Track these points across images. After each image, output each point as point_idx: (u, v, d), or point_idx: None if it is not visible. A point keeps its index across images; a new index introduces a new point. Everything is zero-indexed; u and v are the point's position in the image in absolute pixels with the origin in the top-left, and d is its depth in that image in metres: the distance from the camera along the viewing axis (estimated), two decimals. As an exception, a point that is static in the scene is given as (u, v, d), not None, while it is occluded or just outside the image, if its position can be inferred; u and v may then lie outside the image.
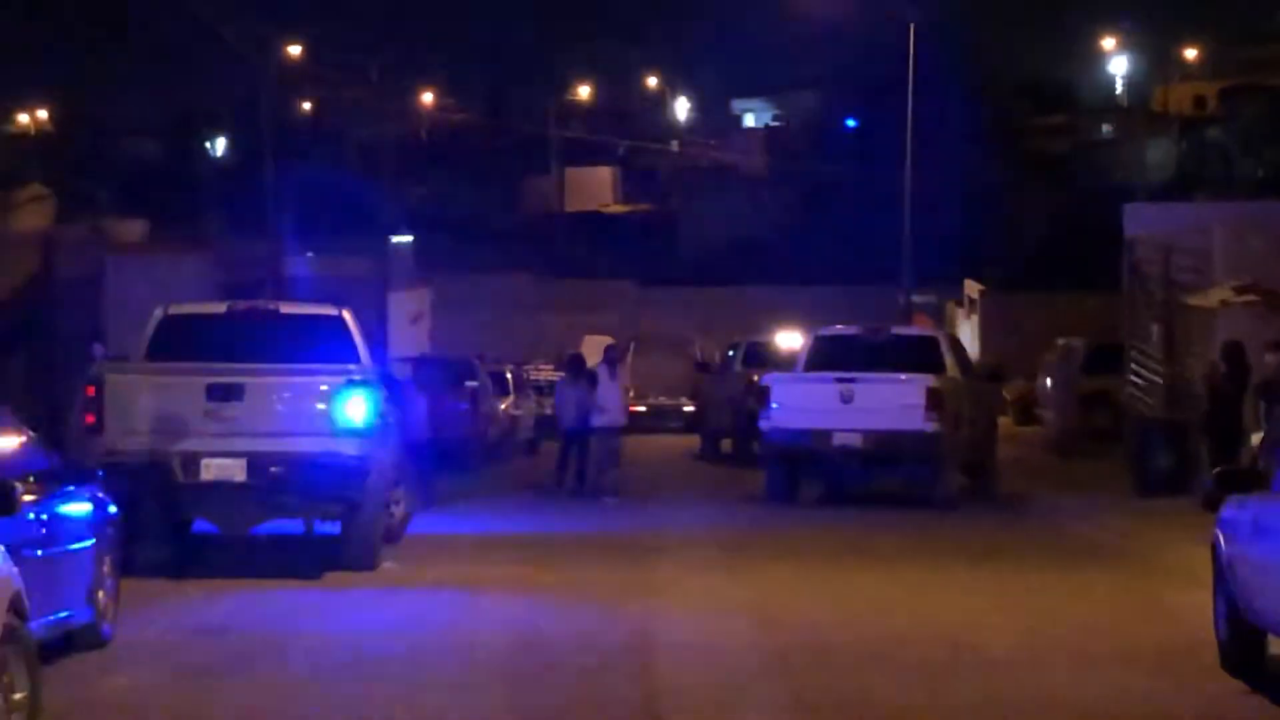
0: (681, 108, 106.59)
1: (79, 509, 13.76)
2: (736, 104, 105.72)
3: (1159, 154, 77.45)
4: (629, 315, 66.09)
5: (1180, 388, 29.78)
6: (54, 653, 12.63)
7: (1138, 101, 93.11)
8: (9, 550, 9.83)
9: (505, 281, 70.60)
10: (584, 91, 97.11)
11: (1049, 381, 43.58)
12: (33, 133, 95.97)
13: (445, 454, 29.63)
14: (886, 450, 25.87)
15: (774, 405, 26.44)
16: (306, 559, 18.51)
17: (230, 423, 17.70)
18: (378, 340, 35.31)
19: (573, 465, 29.48)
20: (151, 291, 24.43)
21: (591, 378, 29.37)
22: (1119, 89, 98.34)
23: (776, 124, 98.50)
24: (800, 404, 26.26)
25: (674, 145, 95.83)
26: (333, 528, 18.60)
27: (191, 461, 17.67)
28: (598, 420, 28.40)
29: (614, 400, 28.56)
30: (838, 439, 25.90)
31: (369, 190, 58.24)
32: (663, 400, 47.35)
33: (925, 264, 50.30)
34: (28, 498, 12.12)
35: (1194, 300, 30.02)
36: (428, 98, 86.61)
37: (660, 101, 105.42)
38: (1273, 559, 11.60)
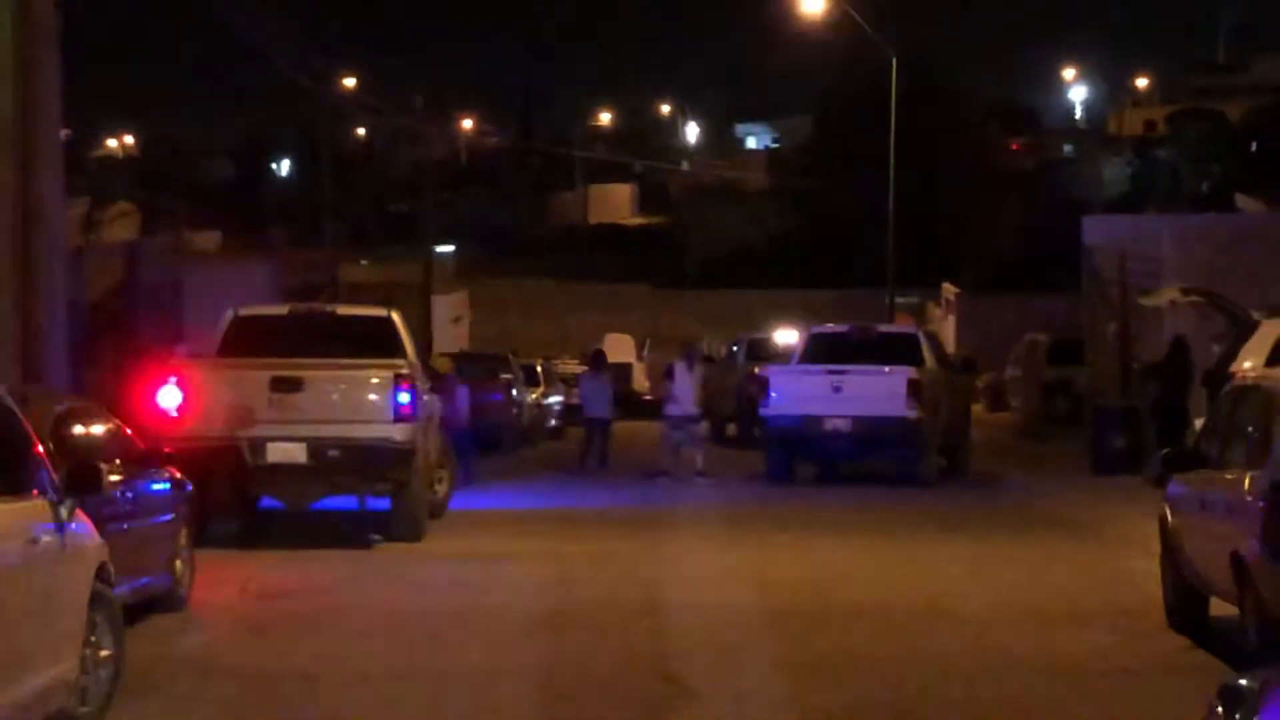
0: (691, 131, 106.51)
1: (159, 488, 13.78)
2: (740, 128, 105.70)
3: (1114, 171, 77.34)
4: (645, 315, 66.08)
5: (1134, 377, 29.72)
6: (137, 615, 12.64)
7: (1095, 124, 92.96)
8: (97, 525, 9.84)
9: (535, 286, 70.66)
10: (605, 117, 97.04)
11: (1017, 372, 43.53)
12: (120, 155, 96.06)
13: (482, 438, 29.68)
14: (873, 434, 25.83)
15: (773, 394, 26.41)
16: (360, 532, 18.52)
17: (292, 411, 17.71)
18: (422, 338, 35.39)
19: (595, 449, 29.46)
20: (223, 295, 24.46)
21: (612, 370, 29.19)
22: (1078, 113, 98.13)
23: (775, 145, 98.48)
24: (796, 393, 26.23)
25: (685, 164, 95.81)
26: (383, 504, 18.61)
27: (258, 445, 17.68)
28: (674, 410, 27.61)
29: (688, 392, 27.90)
30: (829, 424, 25.87)
31: (414, 205, 58.15)
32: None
33: (907, 269, 50.22)
34: (113, 478, 12.13)
35: (1145, 300, 29.99)
36: (467, 123, 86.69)
37: (672, 126, 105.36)
38: (1213, 529, 11.57)
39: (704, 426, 29.47)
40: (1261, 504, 10.44)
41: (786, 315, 49.37)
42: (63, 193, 17.28)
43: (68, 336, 17.17)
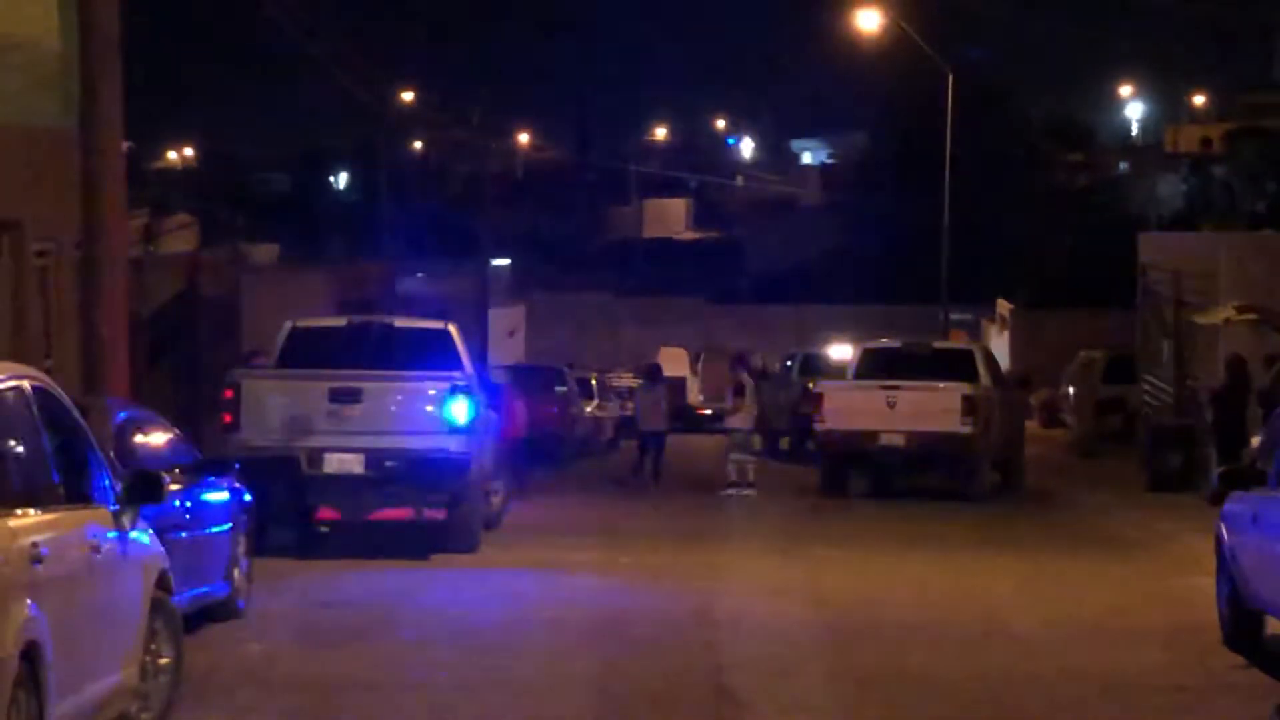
0: (746, 146, 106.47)
1: (218, 497, 13.86)
2: (795, 143, 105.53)
3: (1169, 189, 76.90)
4: (699, 329, 66.01)
5: (1188, 396, 29.55)
6: (196, 622, 12.72)
7: (1151, 141, 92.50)
8: (157, 533, 9.91)
9: (590, 299, 70.67)
10: (661, 132, 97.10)
11: (1071, 389, 43.34)
12: (180, 167, 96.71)
13: (537, 450, 29.69)
14: (926, 450, 25.76)
15: (827, 409, 26.37)
16: (416, 542, 18.56)
17: (350, 422, 17.76)
18: (479, 350, 35.48)
19: (649, 462, 29.44)
20: (281, 307, 24.55)
21: (666, 384, 29.26)
22: (1134, 130, 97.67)
23: (830, 161, 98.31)
24: (850, 408, 26.17)
25: (739, 180, 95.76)
26: (439, 515, 18.64)
27: (316, 456, 17.73)
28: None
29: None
30: (884, 439, 25.82)
31: (471, 219, 58.45)
32: (726, 405, 47.18)
33: (962, 285, 50.04)
34: (173, 487, 12.21)
35: (1200, 319, 29.80)
36: (523, 138, 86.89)
37: (726, 141, 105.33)
38: (1269, 548, 11.51)
39: (756, 439, 29.48)
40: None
41: (840, 330, 49.27)
42: (124, 203, 17.39)
43: (129, 346, 17.26)
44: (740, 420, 27.59)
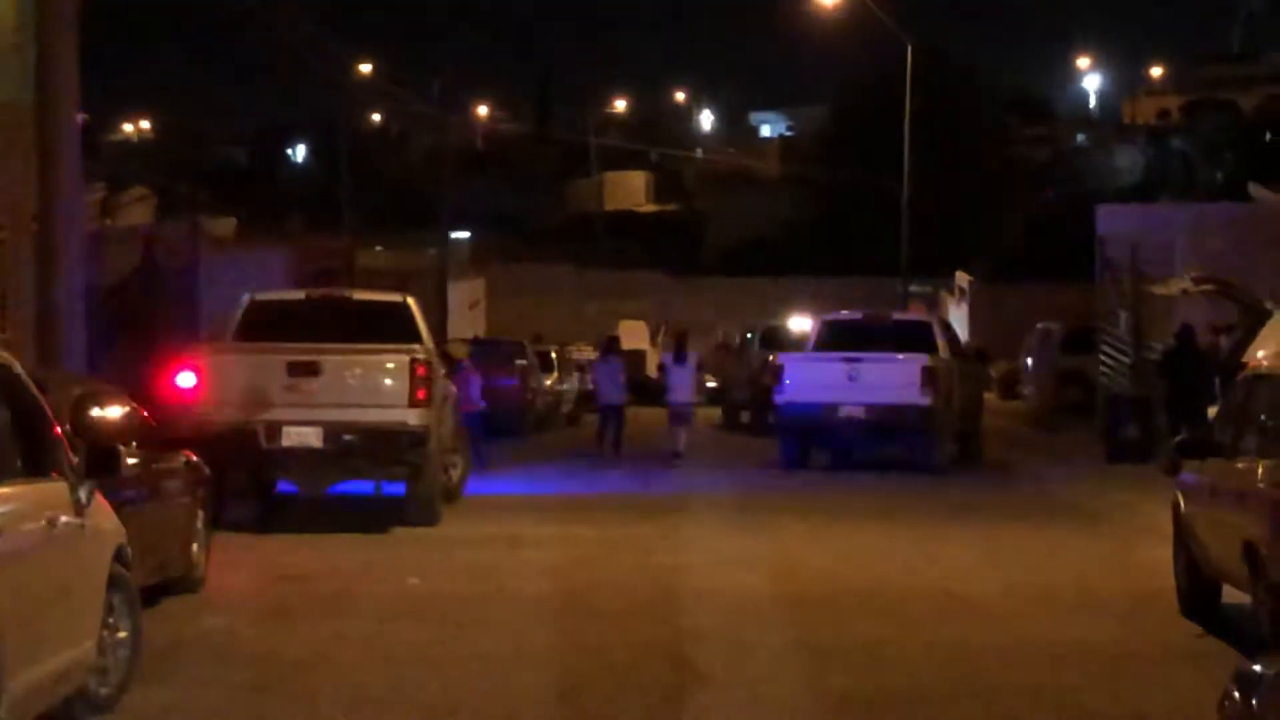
0: (706, 119, 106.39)
1: (176, 471, 13.80)
2: (754, 116, 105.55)
3: (1127, 161, 77.21)
4: (659, 303, 66.03)
5: (1144, 366, 29.70)
6: (155, 597, 12.67)
7: (1109, 114, 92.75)
8: (115, 506, 9.86)
9: (550, 272, 70.58)
10: (620, 105, 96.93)
11: (1030, 361, 43.50)
12: (136, 140, 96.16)
13: (497, 424, 29.68)
14: (887, 421, 25.83)
15: (788, 382, 26.42)
16: (375, 516, 18.55)
17: (308, 395, 17.73)
18: (438, 324, 35.41)
19: (610, 435, 29.48)
20: (240, 281, 24.48)
21: (625, 357, 29.51)
22: (1092, 103, 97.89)
23: (789, 134, 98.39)
24: (811, 380, 26.22)
25: (699, 153, 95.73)
26: (398, 488, 18.63)
27: (274, 429, 17.70)
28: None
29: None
30: (844, 411, 25.87)
31: (430, 192, 58.27)
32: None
33: (921, 258, 50.15)
34: (131, 461, 12.16)
35: (1157, 289, 29.94)
36: (483, 110, 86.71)
37: (687, 114, 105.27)
38: (1226, 518, 11.57)
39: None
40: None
41: (800, 303, 49.36)
42: (80, 176, 17.28)
43: (85, 320, 17.17)
44: (678, 393, 28.36)
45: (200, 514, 14.09)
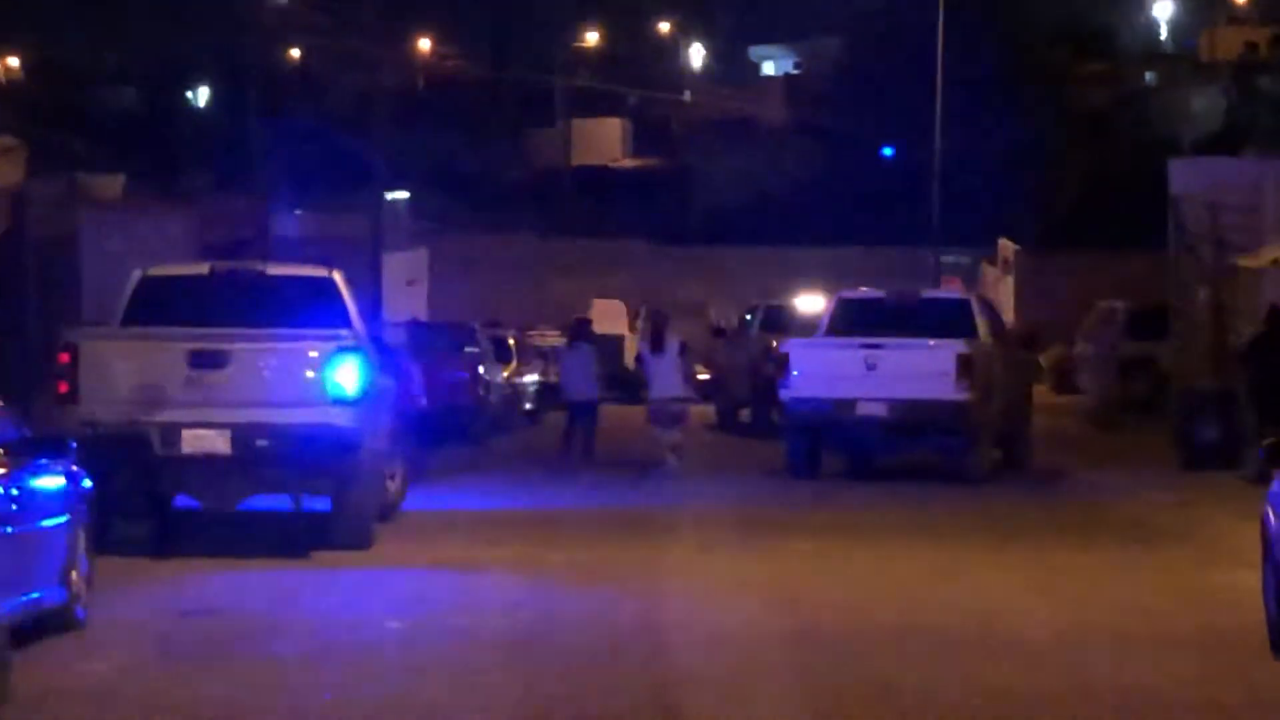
0: (696, 55, 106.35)
1: (51, 483, 13.75)
2: (754, 51, 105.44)
3: (1206, 104, 77.27)
4: (640, 277, 66.06)
5: (1228, 354, 29.76)
6: (25, 637, 12.63)
7: (1183, 48, 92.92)
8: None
9: (508, 241, 70.59)
10: (592, 38, 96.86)
11: (1089, 347, 43.57)
12: (2, 80, 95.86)
13: (443, 425, 29.64)
14: (914, 420, 25.87)
15: (794, 373, 26.44)
16: (295, 537, 18.53)
17: (213, 392, 17.71)
18: (371, 304, 35.38)
19: (579, 437, 29.48)
20: (130, 252, 24.46)
21: (599, 343, 29.59)
22: (1163, 34, 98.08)
23: (797, 72, 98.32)
24: (822, 371, 26.26)
25: (687, 96, 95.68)
26: (323, 504, 18.61)
27: (172, 433, 17.67)
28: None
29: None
30: (862, 409, 25.90)
31: (362, 144, 58.26)
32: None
33: (956, 222, 50.28)
34: (-4, 471, 12.13)
35: (1243, 261, 30.00)
36: (425, 44, 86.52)
37: (673, 49, 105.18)
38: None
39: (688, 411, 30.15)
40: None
41: (810, 278, 49.42)
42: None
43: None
44: (659, 388, 28.47)
45: (81, 536, 14.05)
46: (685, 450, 28.70)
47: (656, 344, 29.01)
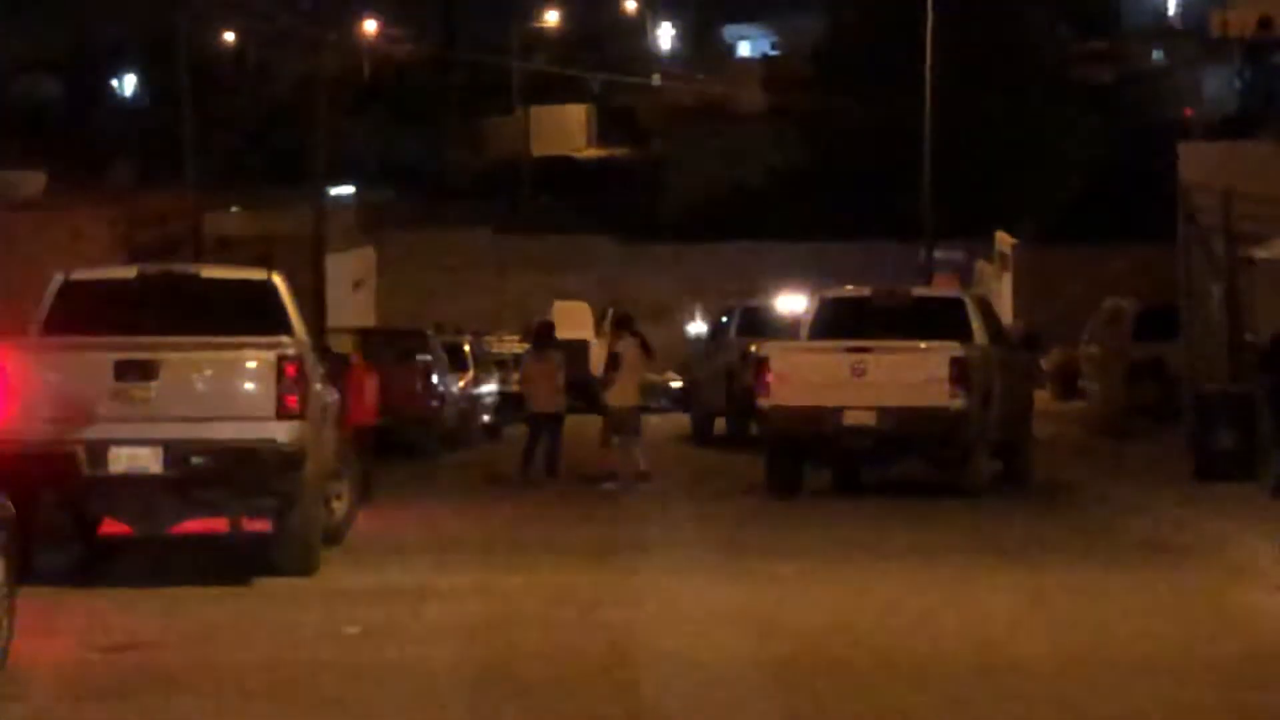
0: (665, 36, 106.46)
1: (-34, 508, 13.71)
2: (728, 31, 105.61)
3: (1218, 85, 77.43)
4: (606, 277, 66.13)
5: (1244, 355, 29.84)
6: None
7: (1194, 24, 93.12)
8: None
9: (462, 239, 70.56)
10: (552, 18, 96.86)
11: (1093, 349, 43.67)
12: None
13: (394, 440, 29.62)
14: (905, 430, 25.89)
15: (774, 380, 26.44)
16: (233, 563, 18.49)
17: (143, 406, 17.66)
18: (314, 308, 35.38)
19: (542, 452, 29.47)
20: (49, 254, 24.42)
21: (563, 350, 29.55)
22: (1172, 9, 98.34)
23: (775, 54, 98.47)
24: (805, 378, 26.27)
25: (656, 79, 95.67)
26: (264, 526, 18.58)
27: (98, 451, 17.61)
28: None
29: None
30: (848, 418, 25.92)
31: (302, 135, 58.21)
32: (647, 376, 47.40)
33: (949, 214, 50.33)
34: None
35: (1259, 254, 30.08)
36: (371, 25, 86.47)
37: (640, 29, 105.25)
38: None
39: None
40: None
41: (791, 275, 49.44)
42: None
43: None
44: (617, 396, 28.55)
45: (0, 564, 14.00)
46: (629, 470, 28.53)
47: (614, 360, 28.98)
